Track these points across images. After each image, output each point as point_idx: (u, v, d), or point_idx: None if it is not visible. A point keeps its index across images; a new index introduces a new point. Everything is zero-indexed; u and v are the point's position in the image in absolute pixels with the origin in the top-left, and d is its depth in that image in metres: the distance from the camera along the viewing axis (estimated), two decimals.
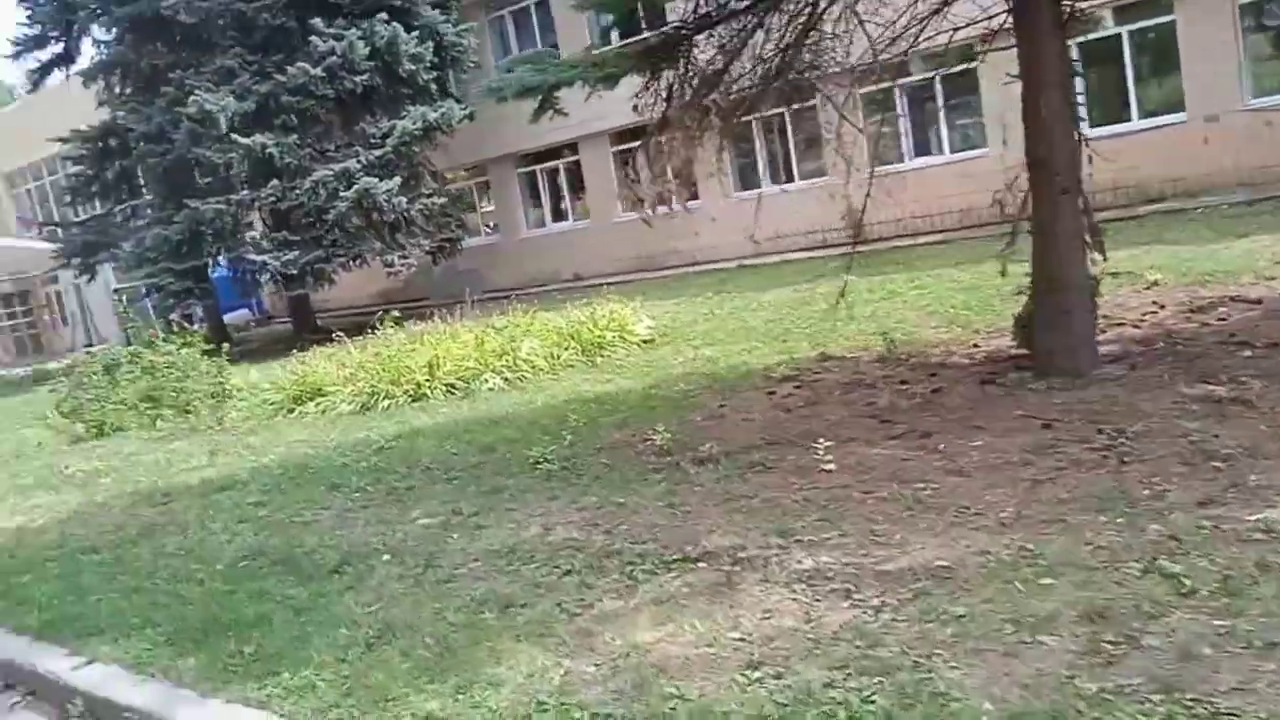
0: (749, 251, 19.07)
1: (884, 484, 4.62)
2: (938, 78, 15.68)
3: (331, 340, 13.47)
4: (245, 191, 17.44)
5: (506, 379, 10.13)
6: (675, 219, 20.93)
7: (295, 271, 17.73)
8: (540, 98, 7.05)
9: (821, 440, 5.13)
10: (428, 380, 10.21)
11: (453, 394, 9.93)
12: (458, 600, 4.01)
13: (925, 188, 16.98)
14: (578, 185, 22.83)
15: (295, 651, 3.76)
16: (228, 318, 27.20)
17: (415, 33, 18.45)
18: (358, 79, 17.68)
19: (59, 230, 24.10)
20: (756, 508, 4.58)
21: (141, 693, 3.68)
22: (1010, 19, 6.32)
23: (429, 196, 19.46)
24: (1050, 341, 6.15)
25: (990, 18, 6.50)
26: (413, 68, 18.57)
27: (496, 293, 23.09)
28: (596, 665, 3.27)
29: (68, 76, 22.14)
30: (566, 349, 10.83)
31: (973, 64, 8.19)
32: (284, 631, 3.98)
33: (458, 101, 19.59)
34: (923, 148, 18.09)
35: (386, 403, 9.99)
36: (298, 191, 17.44)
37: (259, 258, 17.52)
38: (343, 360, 11.58)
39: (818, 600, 3.46)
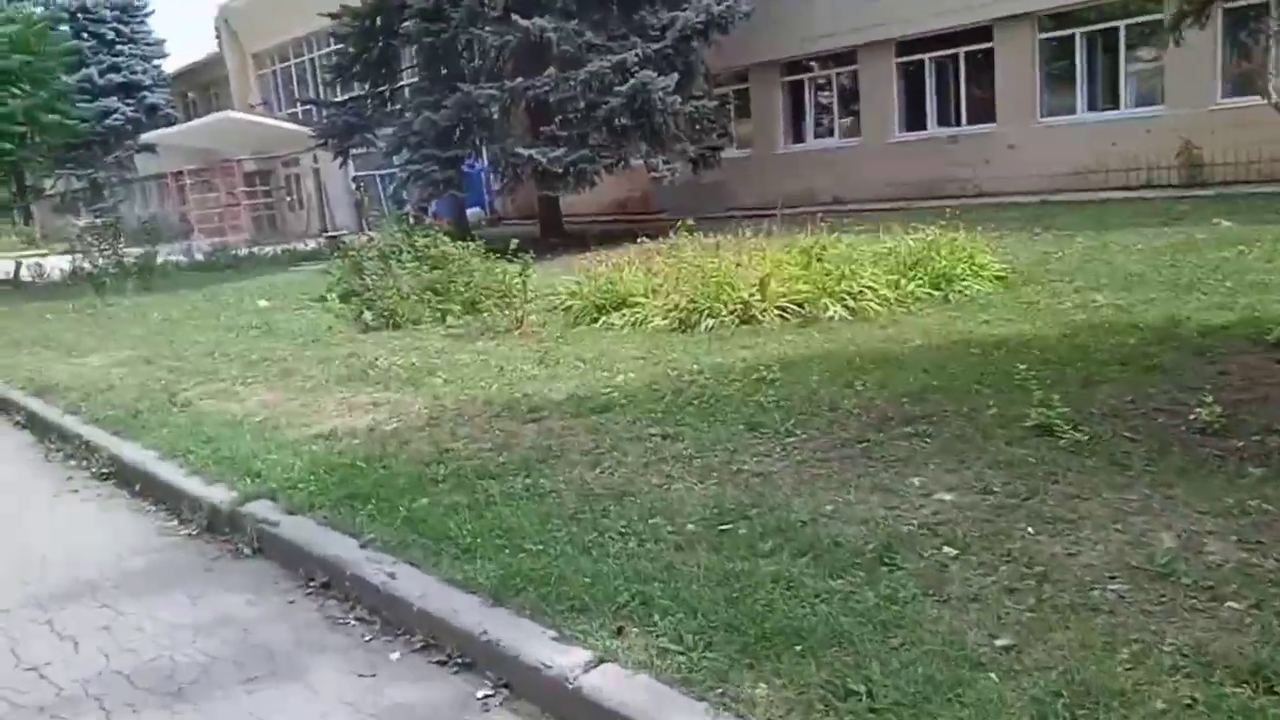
0: (1049, 186, 16.83)
1: None
2: None
3: (586, 247, 12.36)
4: (520, 80, 16.49)
5: (849, 308, 8.73)
6: (959, 144, 18.87)
7: (560, 170, 16.77)
8: None
9: None
10: (758, 300, 8.91)
11: (786, 320, 8.62)
12: (1159, 656, 2.65)
13: None
14: (849, 99, 20.88)
15: (946, 710, 2.50)
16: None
17: None
18: None
19: (319, 110, 24.09)
20: None
21: None
22: None
23: (699, 99, 18.07)
24: None
25: None
26: None
27: (743, 211, 21.61)
28: None
29: None
30: (913, 280, 9.31)
31: None
32: (886, 661, 2.73)
33: None
34: None
35: (710, 322, 8.76)
36: (572, 82, 16.35)
37: (526, 151, 16.60)
38: (648, 268, 10.46)
39: None
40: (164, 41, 42.87)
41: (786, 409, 5.46)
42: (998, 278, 9.60)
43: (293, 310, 12.63)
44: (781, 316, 8.71)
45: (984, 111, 18.28)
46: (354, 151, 30.44)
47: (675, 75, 16.74)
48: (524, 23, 15.96)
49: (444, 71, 18.34)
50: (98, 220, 22.29)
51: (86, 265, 17.79)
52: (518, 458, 4.97)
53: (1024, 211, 15.34)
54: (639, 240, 12.27)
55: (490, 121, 17.25)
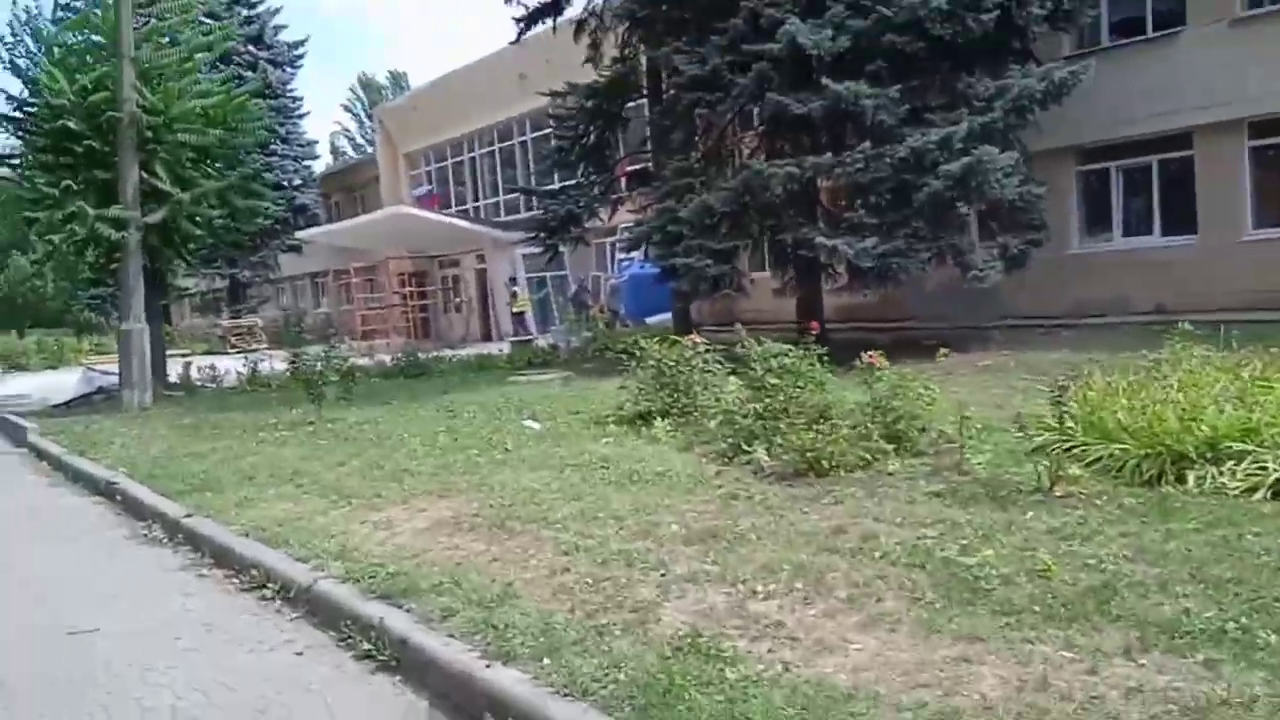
0: None
1: None
2: None
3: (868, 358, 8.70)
4: (828, 155, 13.36)
5: None
6: None
7: (870, 264, 13.47)
8: None
9: None
10: None
11: None
12: None
13: None
14: (1173, 189, 17.26)
15: None
16: (651, 321, 23.88)
17: None
18: (984, 17, 13.24)
19: (526, 201, 21.51)
20: None
21: None
22: None
23: (1023, 183, 14.72)
24: None
25: None
26: (1040, 11, 13.98)
27: (1021, 321, 18.04)
28: None
29: (554, 28, 19.48)
30: None
31: None
32: None
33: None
34: None
35: None
36: (888, 159, 13.19)
37: (829, 242, 13.35)
38: (1239, 398, 6.88)
39: None
40: (316, 143, 41.93)
41: None
42: None
43: (593, 437, 9.28)
44: None
45: None
46: (524, 251, 27.90)
47: (1014, 154, 13.49)
48: (836, 87, 12.92)
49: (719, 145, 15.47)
50: (295, 318, 19.57)
51: (263, 368, 14.98)
52: None
53: None
54: (944, 354, 9.00)
55: (772, 207, 14.15)
